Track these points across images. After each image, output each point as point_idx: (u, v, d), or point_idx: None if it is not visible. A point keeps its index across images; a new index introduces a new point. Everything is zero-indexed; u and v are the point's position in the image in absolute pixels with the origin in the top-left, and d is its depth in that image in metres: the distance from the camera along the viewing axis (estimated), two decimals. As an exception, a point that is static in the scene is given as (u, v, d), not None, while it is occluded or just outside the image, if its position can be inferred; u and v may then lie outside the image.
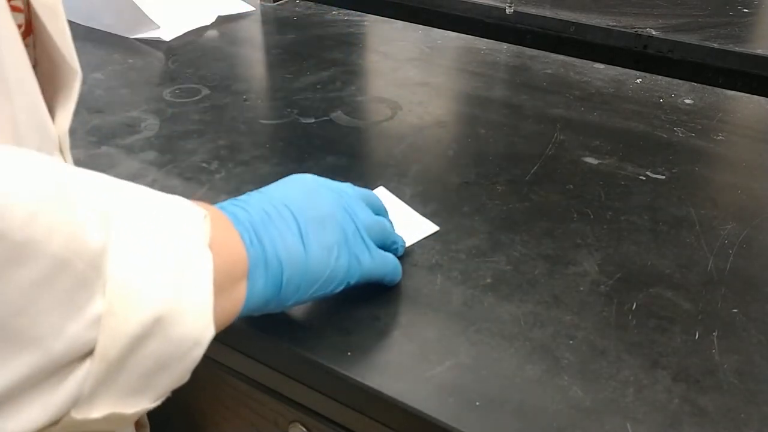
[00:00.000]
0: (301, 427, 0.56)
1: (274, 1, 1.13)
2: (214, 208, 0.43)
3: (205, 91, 0.85)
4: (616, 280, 0.56)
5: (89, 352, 0.31)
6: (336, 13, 1.10)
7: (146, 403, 0.35)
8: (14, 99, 0.39)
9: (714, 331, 0.51)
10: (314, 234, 0.45)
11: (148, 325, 0.33)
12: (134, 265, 0.33)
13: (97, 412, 0.33)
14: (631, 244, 0.59)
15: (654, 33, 0.94)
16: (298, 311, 0.52)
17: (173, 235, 0.36)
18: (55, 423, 0.32)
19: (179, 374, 0.36)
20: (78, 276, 0.30)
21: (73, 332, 0.30)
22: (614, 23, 0.96)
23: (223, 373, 0.58)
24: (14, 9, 0.41)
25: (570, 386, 0.47)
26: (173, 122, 0.78)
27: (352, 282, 0.48)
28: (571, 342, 0.50)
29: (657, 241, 0.60)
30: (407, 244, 0.57)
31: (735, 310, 0.53)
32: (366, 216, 0.50)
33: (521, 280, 0.55)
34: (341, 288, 0.47)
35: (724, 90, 0.86)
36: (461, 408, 0.45)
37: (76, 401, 0.32)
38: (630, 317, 0.52)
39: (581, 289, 0.55)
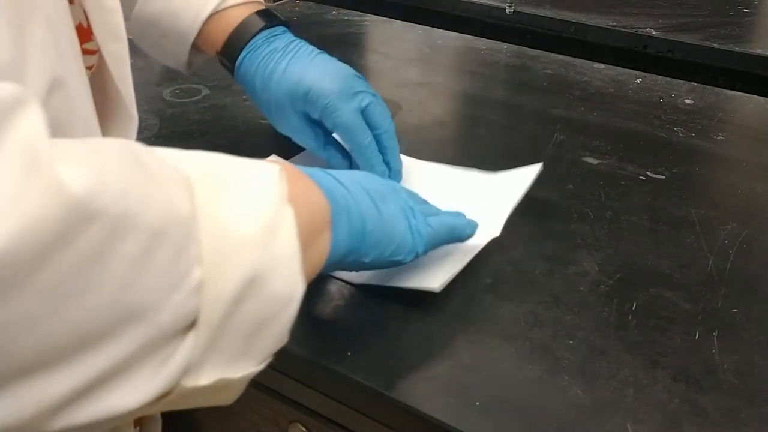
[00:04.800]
0: (301, 427, 0.56)
1: (274, 1, 1.13)
2: (289, 164, 0.44)
3: (205, 91, 0.85)
4: (616, 280, 0.56)
5: (194, 321, 0.32)
6: (336, 13, 1.10)
7: (252, 366, 0.36)
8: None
9: (714, 331, 0.51)
10: (383, 204, 0.47)
11: (243, 288, 0.33)
12: (223, 230, 0.33)
13: (205, 378, 0.33)
14: (631, 244, 0.59)
15: (654, 33, 0.94)
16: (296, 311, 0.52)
17: (253, 196, 0.36)
18: (168, 393, 0.32)
19: (278, 333, 0.36)
20: (176, 246, 0.31)
21: (177, 302, 0.31)
22: (614, 23, 0.97)
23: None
24: (88, 52, 0.44)
25: (570, 386, 0.47)
26: (173, 122, 0.78)
27: (421, 250, 0.49)
28: (571, 342, 0.50)
29: (657, 241, 0.60)
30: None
31: (735, 310, 0.53)
32: (418, 203, 0.52)
33: (521, 280, 0.55)
34: (412, 257, 0.49)
35: (724, 90, 0.86)
36: (461, 408, 0.45)
37: (186, 370, 0.32)
38: (630, 317, 0.52)
39: (581, 289, 0.55)
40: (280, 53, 0.64)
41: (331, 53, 0.96)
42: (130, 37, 0.66)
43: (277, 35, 0.65)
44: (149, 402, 0.31)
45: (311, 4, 1.13)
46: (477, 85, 0.87)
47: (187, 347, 0.32)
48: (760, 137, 0.77)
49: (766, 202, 0.65)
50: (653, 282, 0.55)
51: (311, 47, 0.65)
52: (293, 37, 0.66)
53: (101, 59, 0.45)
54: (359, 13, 1.09)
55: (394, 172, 0.64)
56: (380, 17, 1.08)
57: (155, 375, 0.31)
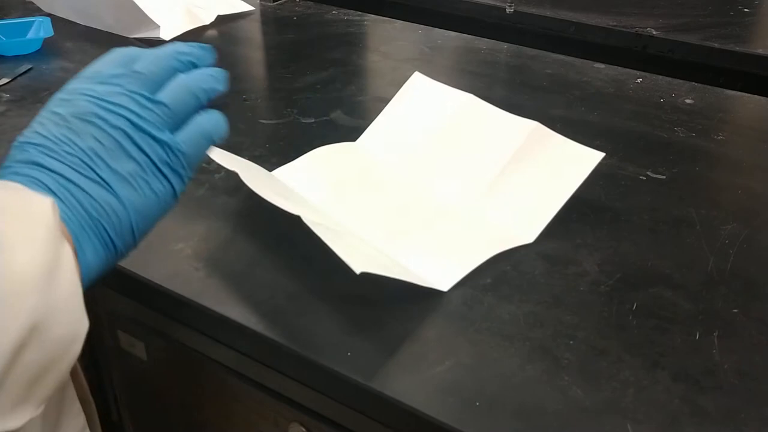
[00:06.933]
0: (301, 427, 0.56)
1: (274, 1, 1.13)
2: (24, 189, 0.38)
3: (205, 91, 0.84)
4: (616, 280, 0.56)
5: None
6: (336, 13, 1.10)
7: (31, 412, 0.34)
8: None
9: (714, 331, 0.51)
10: (117, 170, 0.40)
11: (25, 337, 0.32)
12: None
13: None
14: (631, 244, 0.59)
15: (654, 33, 0.94)
16: (296, 312, 0.52)
17: (29, 234, 0.34)
18: None
19: (61, 374, 0.35)
20: None
21: None
22: (614, 23, 0.97)
23: (223, 373, 0.58)
24: None
25: (570, 386, 0.47)
26: (173, 122, 0.78)
27: (183, 188, 0.43)
28: (571, 342, 0.50)
29: (657, 241, 0.60)
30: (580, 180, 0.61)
31: (735, 310, 0.53)
32: (145, 112, 0.42)
33: (521, 280, 0.55)
34: (176, 201, 0.43)
35: (724, 90, 0.86)
36: (461, 408, 0.45)
37: None
38: (630, 317, 0.52)
39: (581, 289, 0.55)
40: None
41: (331, 53, 0.96)
42: None
43: None
44: None
45: (311, 3, 1.13)
46: (477, 85, 0.87)
47: None
48: (760, 137, 0.77)
49: (766, 202, 0.65)
50: (653, 282, 0.55)
51: None
52: None
53: None
54: (359, 13, 1.09)
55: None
56: (380, 17, 1.08)
57: None
